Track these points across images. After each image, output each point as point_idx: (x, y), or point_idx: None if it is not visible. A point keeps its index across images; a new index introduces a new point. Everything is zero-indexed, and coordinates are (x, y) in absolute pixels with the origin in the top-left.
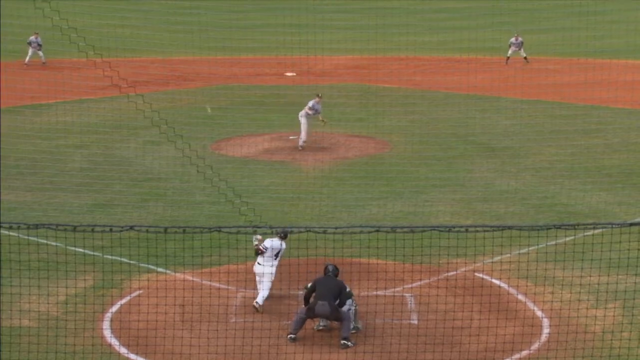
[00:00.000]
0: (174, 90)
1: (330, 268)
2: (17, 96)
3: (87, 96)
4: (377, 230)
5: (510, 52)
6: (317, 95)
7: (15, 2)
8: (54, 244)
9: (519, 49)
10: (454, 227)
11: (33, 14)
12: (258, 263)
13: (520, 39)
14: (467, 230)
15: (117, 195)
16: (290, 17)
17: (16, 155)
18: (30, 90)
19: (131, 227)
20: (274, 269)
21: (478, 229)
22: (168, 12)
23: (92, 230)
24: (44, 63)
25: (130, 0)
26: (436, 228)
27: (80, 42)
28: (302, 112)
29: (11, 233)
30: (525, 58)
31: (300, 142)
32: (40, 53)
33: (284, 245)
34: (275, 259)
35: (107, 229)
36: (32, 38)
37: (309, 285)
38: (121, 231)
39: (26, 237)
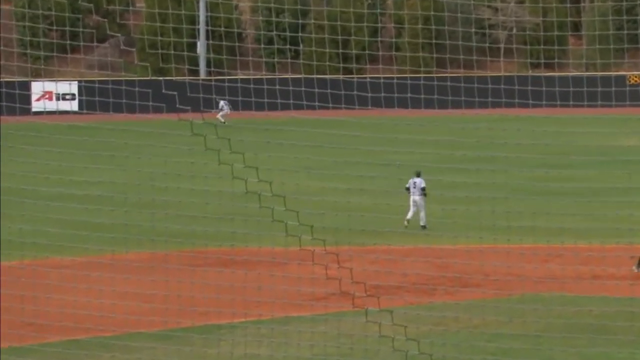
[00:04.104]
0: (445, 303)
1: None
2: (187, 312)
3: (295, 312)
4: None
5: None
6: None
7: (193, 155)
8: None
9: None
10: None
11: (215, 171)
12: None
13: None
14: None
15: None
16: None
17: None
18: (202, 301)
19: None
20: None
21: None
22: (416, 165)
23: None
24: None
25: (363, 146)
26: None
27: (289, 220)
28: None
29: None
30: None
31: None
32: None
33: None
34: None
35: None
36: None
37: None
38: None
39: None
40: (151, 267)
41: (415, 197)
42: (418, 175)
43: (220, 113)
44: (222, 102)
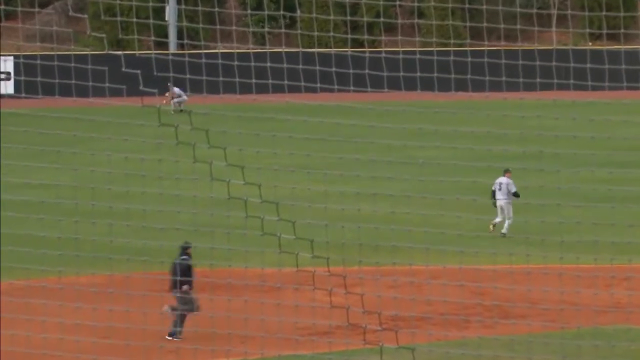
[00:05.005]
0: (482, 338)
1: None
2: (154, 350)
3: (291, 349)
4: None
5: None
6: None
7: (161, 151)
8: None
9: None
10: None
11: (189, 171)
12: None
13: None
14: None
15: None
16: None
17: None
18: None
19: None
20: None
21: None
22: None
23: None
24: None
25: None
26: None
27: (283, 232)
28: None
29: None
30: None
31: None
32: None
33: None
34: None
35: None
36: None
37: None
38: None
39: None
40: (109, 294)
41: (501, 202)
42: (504, 174)
43: (175, 99)
44: (176, 89)
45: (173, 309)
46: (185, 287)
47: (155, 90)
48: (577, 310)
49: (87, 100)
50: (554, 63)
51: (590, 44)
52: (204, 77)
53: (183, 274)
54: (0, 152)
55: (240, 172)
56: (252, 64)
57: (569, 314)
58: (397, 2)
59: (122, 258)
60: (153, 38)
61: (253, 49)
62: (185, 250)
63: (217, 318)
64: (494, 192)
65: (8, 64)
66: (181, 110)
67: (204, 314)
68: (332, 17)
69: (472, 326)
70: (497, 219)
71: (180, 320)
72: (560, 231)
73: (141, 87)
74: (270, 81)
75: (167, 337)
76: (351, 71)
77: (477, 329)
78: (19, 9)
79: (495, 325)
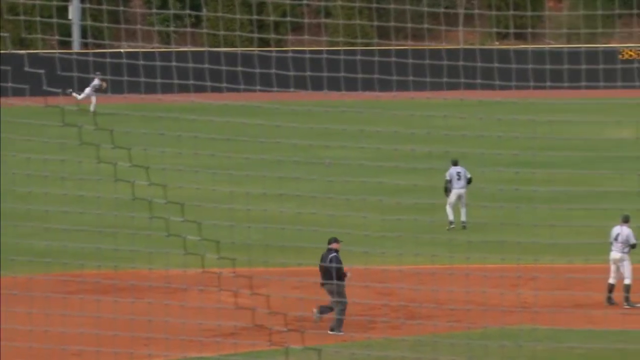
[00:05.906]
0: (388, 339)
1: None
2: (56, 352)
3: (195, 351)
4: None
5: None
6: None
7: (64, 152)
8: None
9: None
10: None
11: (93, 172)
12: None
13: None
14: None
15: None
16: None
17: None
18: (75, 338)
19: None
20: None
21: None
22: None
23: None
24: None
25: None
26: None
27: (188, 234)
28: None
29: None
30: None
31: None
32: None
33: None
34: None
35: None
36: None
37: None
38: None
39: None
40: (11, 295)
41: (461, 190)
42: (455, 163)
43: (86, 94)
44: (96, 80)
45: (321, 310)
46: (349, 275)
47: (59, 90)
48: (483, 310)
49: None
50: (461, 62)
51: (497, 43)
52: (108, 77)
53: (335, 269)
54: None
55: (145, 173)
56: (157, 63)
57: (475, 314)
58: (304, 2)
59: (24, 259)
60: (57, 37)
61: (158, 48)
62: (331, 244)
63: (120, 320)
64: (449, 182)
65: None
66: (88, 111)
67: (106, 316)
68: (238, 16)
69: (378, 327)
70: (452, 215)
71: (340, 315)
72: (467, 231)
73: (45, 87)
74: (175, 81)
75: (329, 331)
76: (257, 70)
77: (383, 330)
78: None
79: (401, 326)
